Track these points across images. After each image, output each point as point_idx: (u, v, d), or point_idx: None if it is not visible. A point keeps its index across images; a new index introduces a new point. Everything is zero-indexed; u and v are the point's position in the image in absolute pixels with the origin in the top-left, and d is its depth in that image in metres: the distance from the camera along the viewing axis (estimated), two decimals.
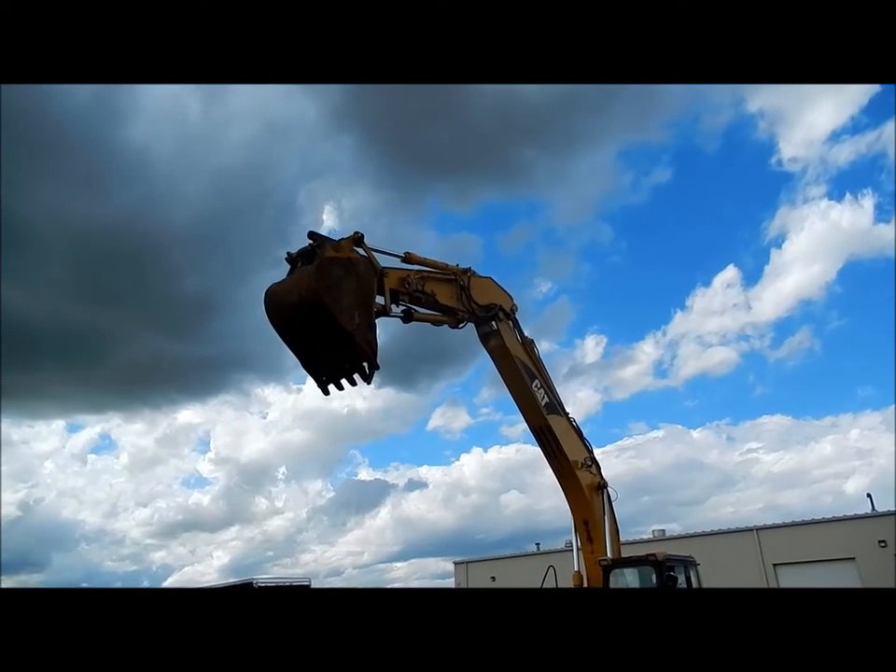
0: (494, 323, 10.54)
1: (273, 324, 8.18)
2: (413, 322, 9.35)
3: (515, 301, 11.03)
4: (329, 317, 7.62)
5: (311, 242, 7.92)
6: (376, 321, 8.58)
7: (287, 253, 7.92)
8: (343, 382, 8.04)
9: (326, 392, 8.24)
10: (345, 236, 8.19)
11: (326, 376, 8.15)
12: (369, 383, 8.04)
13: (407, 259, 9.38)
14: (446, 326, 10.13)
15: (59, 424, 57.66)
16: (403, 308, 9.20)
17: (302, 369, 8.22)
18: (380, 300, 8.59)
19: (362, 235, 8.30)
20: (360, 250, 8.27)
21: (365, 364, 8.01)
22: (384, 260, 8.85)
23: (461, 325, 10.30)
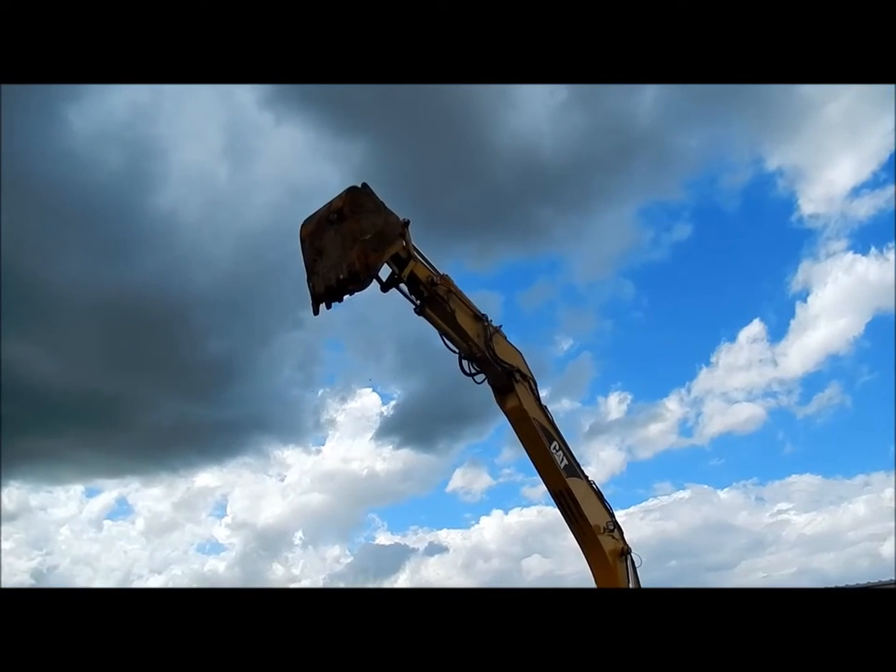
0: (512, 383, 10.45)
1: (300, 238, 8.48)
2: (424, 321, 9.27)
3: (537, 385, 10.99)
4: (343, 223, 7.95)
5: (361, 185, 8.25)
6: (388, 291, 8.76)
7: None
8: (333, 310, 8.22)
9: (316, 311, 8.40)
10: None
11: (321, 291, 8.28)
12: (350, 293, 8.20)
13: (443, 279, 9.37)
14: (462, 373, 10.05)
15: (77, 489, 58.24)
16: (420, 300, 9.18)
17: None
18: (397, 270, 8.74)
19: (409, 221, 8.50)
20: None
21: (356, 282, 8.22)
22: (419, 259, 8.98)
23: (476, 372, 10.20)
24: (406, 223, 8.35)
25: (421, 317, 9.38)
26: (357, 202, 8.03)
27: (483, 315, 10.02)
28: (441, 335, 9.65)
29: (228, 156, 44.72)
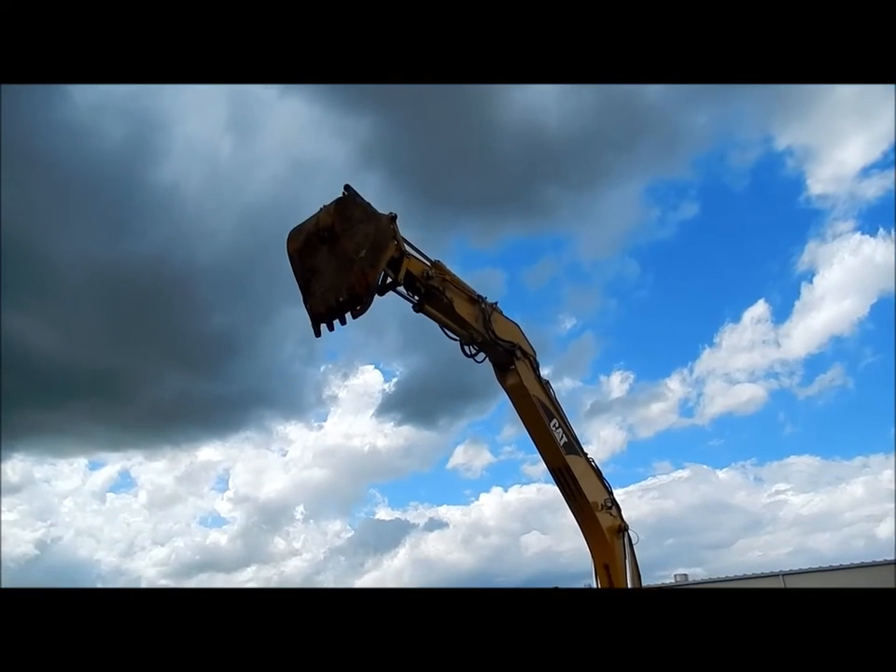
0: (512, 361, 10.45)
1: (288, 253, 8.39)
2: (424, 317, 9.20)
3: (537, 358, 10.99)
4: (336, 242, 7.85)
5: (345, 192, 8.13)
6: (387, 296, 8.69)
7: (323, 205, 8.19)
8: (340, 325, 8.20)
9: (317, 332, 8.33)
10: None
11: (320, 311, 8.21)
12: (354, 317, 8.12)
13: (436, 265, 9.32)
14: (463, 355, 10.05)
15: (81, 462, 58.75)
16: (417, 297, 9.15)
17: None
18: (393, 274, 8.68)
19: (396, 216, 8.43)
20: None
21: (358, 303, 8.13)
22: (411, 253, 8.92)
23: (476, 352, 10.18)
24: (393, 218, 8.31)
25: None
26: (345, 214, 7.90)
27: (479, 296, 10.01)
28: (441, 327, 9.65)
29: (231, 129, 44.16)
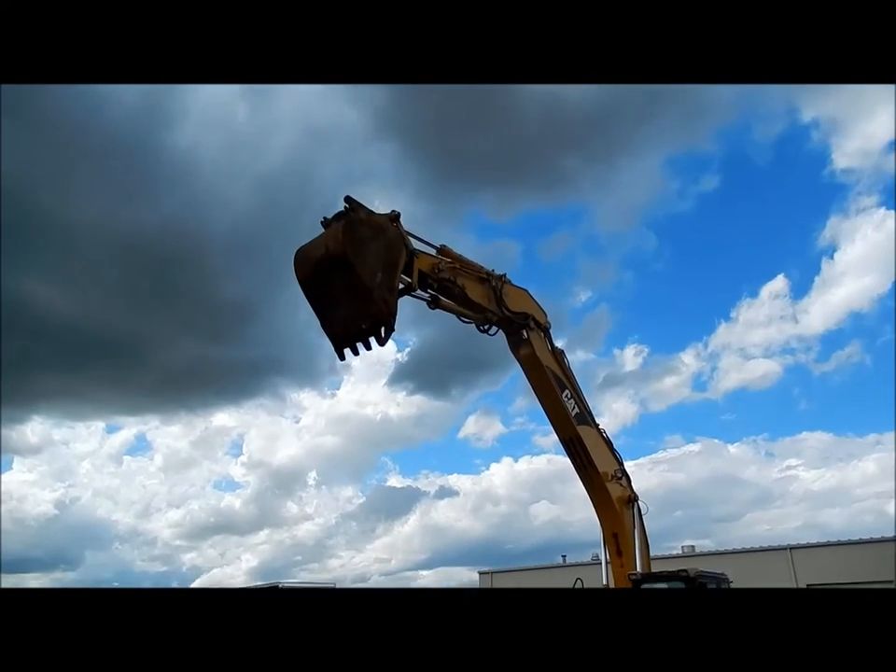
0: (525, 332, 10.44)
1: (298, 279, 8.24)
2: (440, 310, 9.27)
3: (548, 319, 11.00)
4: (351, 271, 7.71)
5: (346, 205, 8.01)
6: (401, 299, 8.65)
7: (324, 217, 8.04)
8: (360, 347, 8.11)
9: (342, 356, 8.23)
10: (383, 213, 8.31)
11: (342, 337, 8.11)
12: (382, 344, 8.03)
13: (442, 251, 9.30)
14: (478, 331, 10.07)
15: (98, 425, 59.03)
16: (431, 294, 9.12)
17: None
18: (407, 280, 8.59)
19: (399, 214, 8.37)
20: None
21: (382, 328, 8.00)
22: (418, 249, 8.83)
23: (489, 327, 10.18)
24: (396, 218, 8.26)
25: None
26: (354, 238, 7.72)
27: (488, 272, 9.98)
28: (458, 317, 9.67)
29: (246, 95, 44.04)
